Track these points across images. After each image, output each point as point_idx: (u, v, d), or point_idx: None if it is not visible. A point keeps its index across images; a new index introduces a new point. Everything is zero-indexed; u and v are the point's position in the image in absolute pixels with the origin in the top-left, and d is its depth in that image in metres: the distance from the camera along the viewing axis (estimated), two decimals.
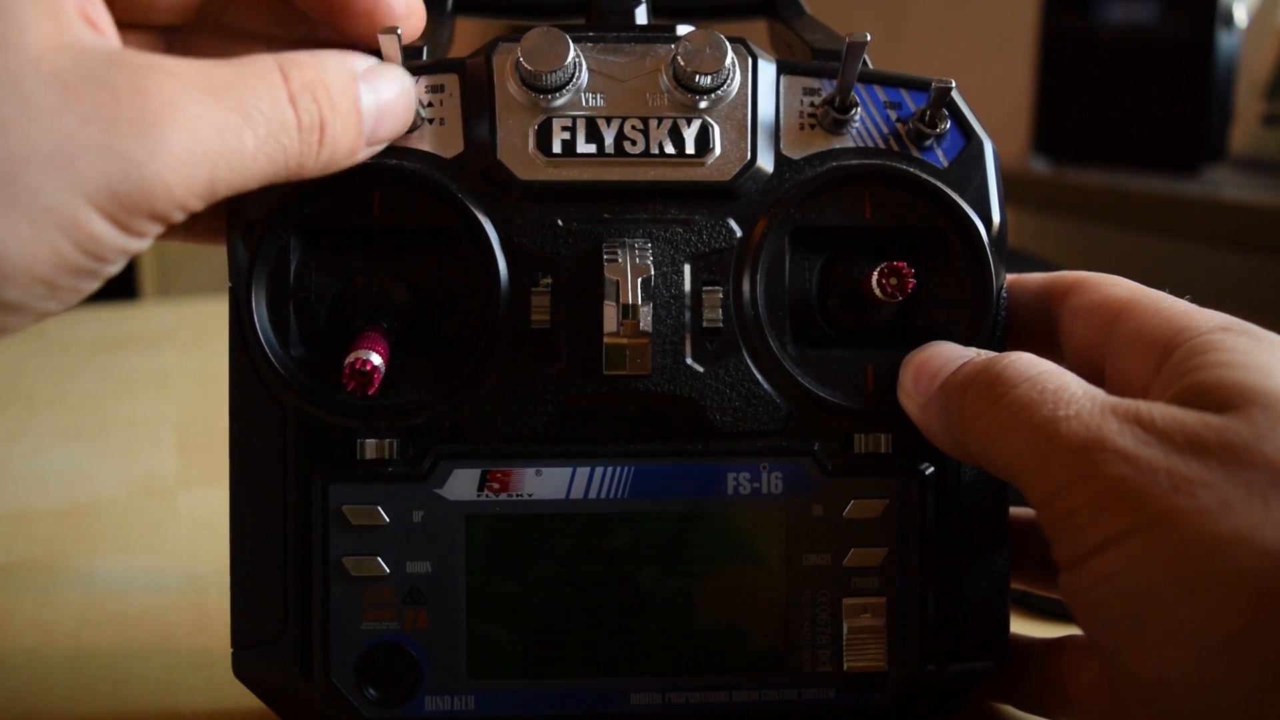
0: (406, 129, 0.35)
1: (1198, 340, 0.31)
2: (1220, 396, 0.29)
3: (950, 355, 0.35)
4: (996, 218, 0.36)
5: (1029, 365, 0.32)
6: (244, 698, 0.37)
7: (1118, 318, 0.34)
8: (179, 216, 0.30)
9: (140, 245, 0.29)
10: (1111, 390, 0.34)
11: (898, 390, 0.35)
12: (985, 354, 0.34)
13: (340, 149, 0.32)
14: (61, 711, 0.39)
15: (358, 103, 0.32)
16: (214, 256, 0.35)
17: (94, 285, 0.30)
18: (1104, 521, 0.28)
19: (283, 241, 0.35)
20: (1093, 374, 0.35)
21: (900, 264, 0.35)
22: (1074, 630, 0.37)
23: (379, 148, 0.34)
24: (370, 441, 0.35)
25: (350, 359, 0.33)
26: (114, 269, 0.30)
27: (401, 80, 0.34)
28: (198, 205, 0.30)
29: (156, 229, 0.29)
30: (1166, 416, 0.29)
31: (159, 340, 0.97)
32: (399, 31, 0.34)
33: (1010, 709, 0.38)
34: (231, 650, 0.36)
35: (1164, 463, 0.28)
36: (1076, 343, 0.35)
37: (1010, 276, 0.37)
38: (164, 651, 0.43)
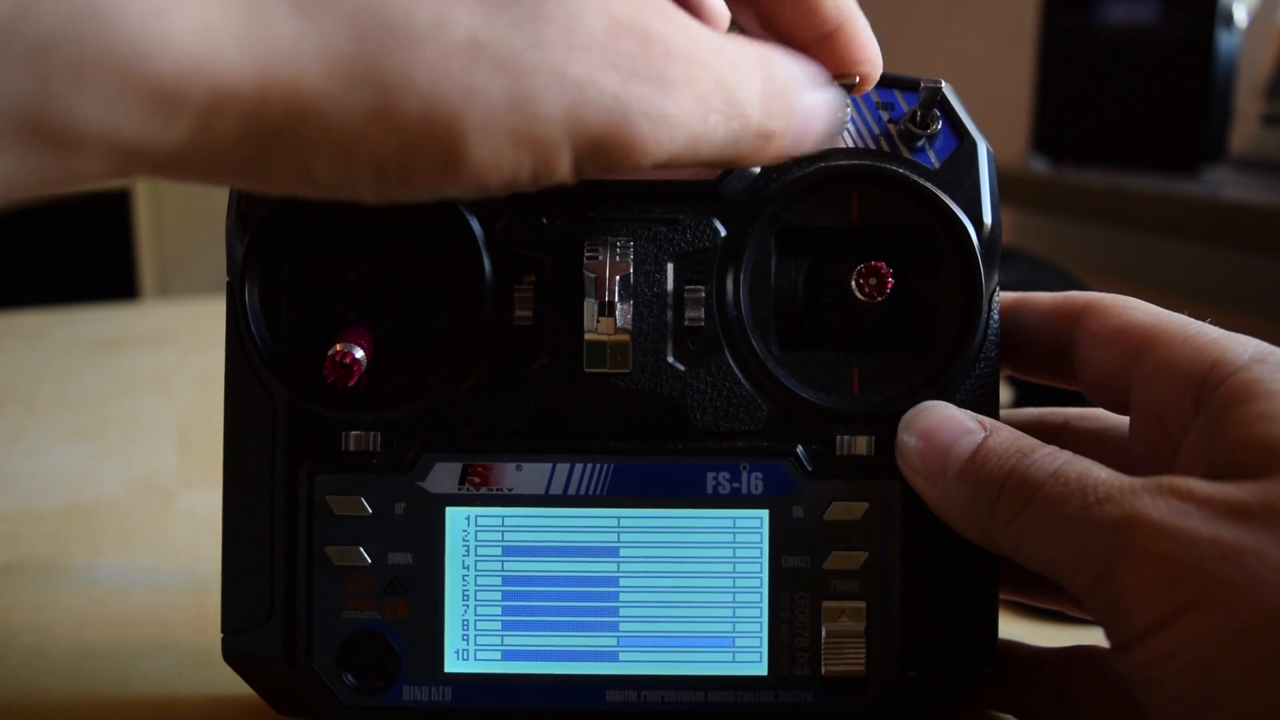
0: (824, 147, 0.34)
1: (1235, 380, 0.30)
2: (1261, 456, 0.28)
3: (957, 429, 0.33)
4: (988, 219, 0.36)
5: (1050, 460, 0.31)
6: (244, 696, 0.37)
7: (1142, 345, 0.33)
8: (622, 174, 0.28)
9: (545, 185, 0.27)
10: (1140, 423, 0.33)
11: (897, 456, 0.35)
12: (989, 423, 0.33)
13: (770, 154, 0.31)
14: (62, 710, 0.39)
15: (801, 112, 0.31)
16: (214, 257, 0.35)
17: (473, 196, 0.27)
18: (1154, 601, 0.27)
19: (278, 236, 0.35)
20: (1114, 402, 0.35)
21: (879, 264, 0.35)
22: (1082, 639, 0.37)
23: (788, 157, 0.32)
24: (355, 434, 0.35)
25: (332, 351, 0.33)
26: (500, 193, 0.27)
27: (838, 99, 0.33)
28: (644, 171, 0.28)
29: (582, 176, 0.27)
30: (1202, 484, 0.28)
31: (159, 340, 0.97)
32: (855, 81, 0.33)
33: None
34: (221, 635, 0.36)
35: (1206, 532, 0.27)
36: (1096, 369, 0.34)
37: (1017, 295, 0.37)
38: (164, 651, 0.43)
